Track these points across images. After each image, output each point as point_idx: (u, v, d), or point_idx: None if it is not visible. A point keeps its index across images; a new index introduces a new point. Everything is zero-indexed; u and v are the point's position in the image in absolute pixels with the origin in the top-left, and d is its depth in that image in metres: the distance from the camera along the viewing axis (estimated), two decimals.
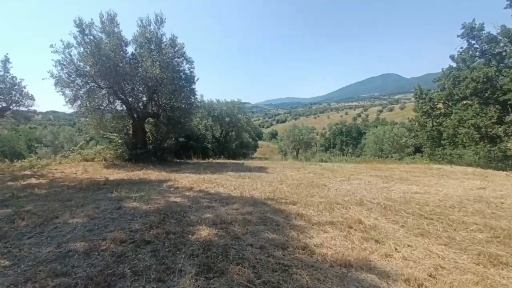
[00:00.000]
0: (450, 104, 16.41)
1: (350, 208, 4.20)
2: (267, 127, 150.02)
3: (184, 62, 9.91)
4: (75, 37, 8.01)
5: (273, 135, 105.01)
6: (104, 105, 9.86)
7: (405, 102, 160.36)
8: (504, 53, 15.04)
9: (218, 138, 19.83)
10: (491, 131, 13.26)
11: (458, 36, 16.61)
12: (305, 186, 5.88)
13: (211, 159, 13.75)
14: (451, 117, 15.35)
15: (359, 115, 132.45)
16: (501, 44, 15.27)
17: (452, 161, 16.93)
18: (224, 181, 5.92)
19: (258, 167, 9.45)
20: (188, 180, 5.93)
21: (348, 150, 65.22)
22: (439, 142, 17.27)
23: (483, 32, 15.83)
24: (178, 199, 4.09)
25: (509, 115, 13.10)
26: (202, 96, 18.85)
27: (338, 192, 5.55)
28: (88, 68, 8.53)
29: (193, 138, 15.17)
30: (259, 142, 75.94)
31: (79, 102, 9.08)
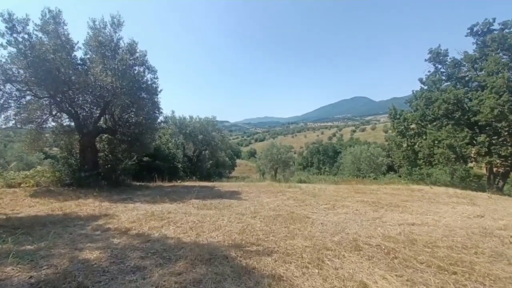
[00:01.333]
0: (422, 125, 16.67)
1: (344, 257, 3.07)
2: (246, 145, 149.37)
3: (146, 72, 8.67)
4: (1, 35, 6.49)
5: (252, 154, 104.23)
6: (44, 117, 8.15)
7: (375, 123, 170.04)
8: (467, 77, 15.81)
9: (191, 157, 18.26)
10: (465, 152, 13.36)
11: (425, 60, 17.32)
12: (284, 220, 4.70)
13: (179, 181, 12.18)
14: (426, 137, 15.48)
15: (334, 135, 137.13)
16: (464, 69, 16.10)
17: (426, 180, 16.96)
18: (181, 216, 4.55)
19: (230, 192, 8.15)
20: (130, 216, 4.47)
21: (325, 168, 66.02)
22: (415, 161, 17.32)
23: (448, 57, 16.67)
24: (94, 254, 2.69)
25: (480, 136, 13.36)
26: (173, 112, 17.51)
27: (324, 227, 4.44)
28: (21, 71, 6.95)
29: (160, 157, 13.54)
30: (238, 161, 74.54)
31: (8, 113, 7.32)
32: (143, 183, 10.15)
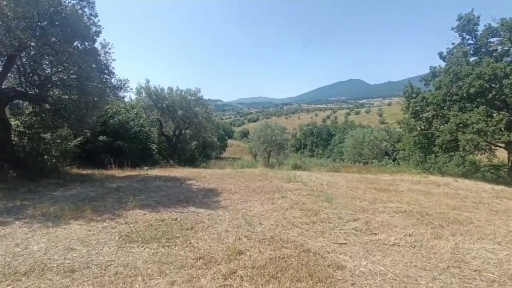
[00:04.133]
0: (442, 106, 14.19)
1: None
2: (239, 125, 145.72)
3: (81, 4, 5.57)
4: None
5: (244, 134, 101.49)
6: None
7: (369, 106, 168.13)
8: (499, 50, 13.13)
9: (170, 137, 15.43)
10: (498, 138, 11.07)
11: (452, 29, 14.38)
12: (293, 280, 2.17)
13: (146, 168, 9.50)
14: (448, 120, 13.11)
15: (328, 117, 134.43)
16: (495, 41, 13.42)
17: (439, 170, 14.93)
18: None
19: (204, 191, 5.55)
20: None
21: (318, 151, 64.52)
22: (429, 148, 15.10)
23: (477, 26, 13.87)
24: None
25: None
26: (148, 82, 14.35)
27: None
28: None
29: (124, 137, 10.68)
30: (230, 141, 71.72)
31: None
32: (88, 172, 7.41)
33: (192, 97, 14.90)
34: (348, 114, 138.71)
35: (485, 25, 13.58)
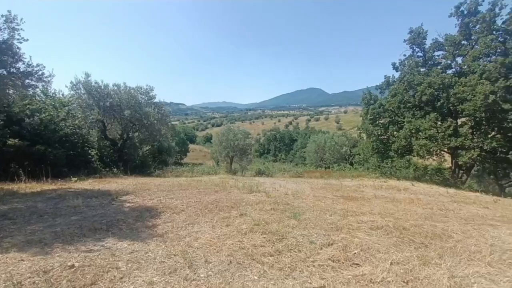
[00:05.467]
0: (397, 112, 14.89)
1: None
2: (202, 130, 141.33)
3: None
4: None
5: (208, 139, 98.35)
6: None
7: (328, 114, 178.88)
8: (442, 63, 14.26)
9: (117, 141, 13.33)
10: (447, 144, 11.77)
11: (404, 41, 15.34)
12: None
13: (75, 179, 7.64)
14: (403, 126, 13.71)
15: (290, 123, 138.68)
16: (440, 54, 14.61)
17: (395, 174, 15.47)
18: None
19: (139, 211, 4.23)
20: None
21: (281, 156, 65.47)
22: (386, 153, 15.70)
23: (425, 40, 14.98)
24: None
25: (462, 127, 11.89)
26: (88, 76, 12.17)
27: None
28: None
29: (49, 140, 8.56)
30: (192, 146, 68.39)
31: None
32: None
33: (143, 96, 13.12)
34: (309, 120, 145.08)
35: (432, 39, 14.68)
